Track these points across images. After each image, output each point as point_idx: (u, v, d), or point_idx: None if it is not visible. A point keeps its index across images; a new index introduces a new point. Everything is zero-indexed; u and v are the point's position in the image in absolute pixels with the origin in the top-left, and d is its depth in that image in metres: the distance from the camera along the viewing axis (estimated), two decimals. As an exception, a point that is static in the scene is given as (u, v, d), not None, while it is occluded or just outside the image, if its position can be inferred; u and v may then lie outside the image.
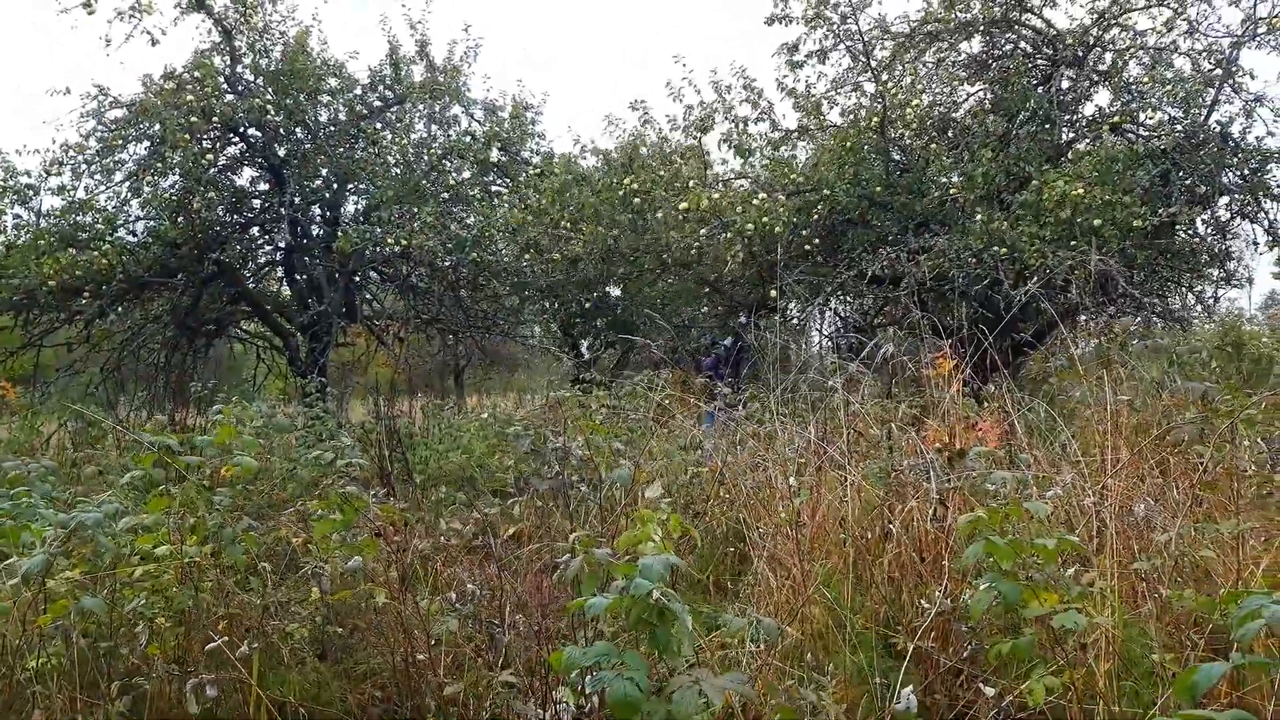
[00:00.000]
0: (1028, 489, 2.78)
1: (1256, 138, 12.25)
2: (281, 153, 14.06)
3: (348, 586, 2.95)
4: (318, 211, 14.99)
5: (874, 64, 11.67)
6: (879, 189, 11.24)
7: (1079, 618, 2.05)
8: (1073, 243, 10.15)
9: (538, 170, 13.24)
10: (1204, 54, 11.59)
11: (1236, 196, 12.05)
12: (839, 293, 10.96)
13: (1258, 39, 11.68)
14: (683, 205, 10.35)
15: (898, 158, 12.23)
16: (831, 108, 11.83)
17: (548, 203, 11.40)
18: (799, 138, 11.73)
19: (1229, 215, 12.62)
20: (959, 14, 11.76)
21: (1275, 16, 11.53)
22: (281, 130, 13.83)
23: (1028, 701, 2.54)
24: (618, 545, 2.20)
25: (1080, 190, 9.44)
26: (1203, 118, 11.77)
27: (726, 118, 11.04)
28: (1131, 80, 11.63)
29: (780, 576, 3.63)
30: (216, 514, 3.13)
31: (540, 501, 3.65)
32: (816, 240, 11.07)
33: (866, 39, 11.47)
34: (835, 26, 11.52)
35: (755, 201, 10.31)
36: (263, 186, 14.80)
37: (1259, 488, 2.93)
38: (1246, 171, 12.05)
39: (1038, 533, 2.41)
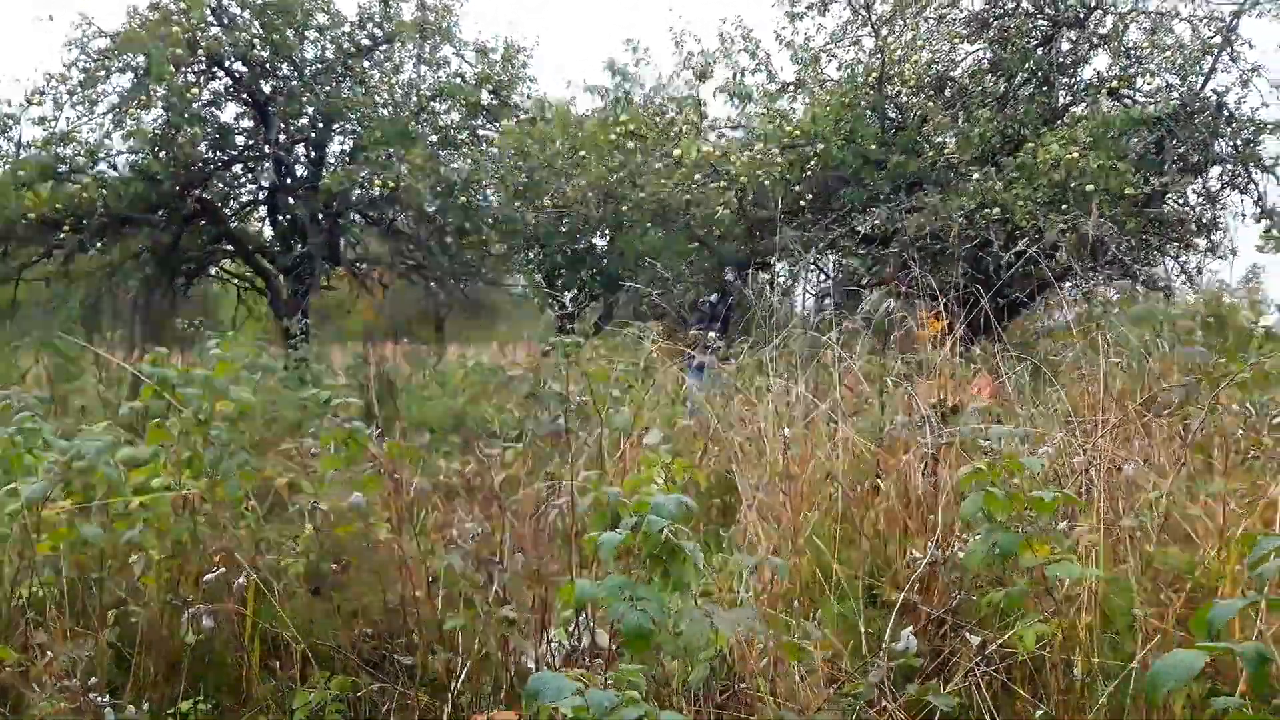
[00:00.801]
0: (1024, 445, 2.80)
1: (1251, 108, 12.26)
2: (267, 89, 13.80)
3: (347, 523, 2.95)
4: (302, 151, 14.76)
5: (874, 18, 11.55)
6: (874, 146, 11.19)
7: (1073, 568, 2.08)
8: (1064, 206, 10.16)
9: (529, 116, 13.07)
10: (1205, 21, 11.53)
11: (1228, 167, 12.07)
12: (830, 250, 10.94)
13: (1259, 7, 11.63)
14: (676, 152, 10.27)
15: (893, 115, 12.15)
16: (830, 61, 11.72)
17: (556, 137, 11.21)
18: (796, 91, 11.62)
19: (1219, 185, 12.64)
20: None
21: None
22: (268, 66, 13.57)
23: (1016, 649, 2.59)
24: (623, 488, 2.21)
25: (1075, 154, 9.43)
26: (1199, 86, 11.76)
27: (728, 65, 10.91)
28: (1131, 45, 11.57)
29: (768, 527, 3.66)
30: (214, 448, 3.11)
31: (537, 446, 3.66)
32: (810, 196, 11.03)
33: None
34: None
35: (749, 153, 10.23)
36: (246, 124, 14.53)
37: (1246, 451, 2.98)
38: (1239, 142, 12.05)
39: (1030, 488, 2.44)
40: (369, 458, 2.65)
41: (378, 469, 2.65)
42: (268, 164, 13.43)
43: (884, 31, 11.80)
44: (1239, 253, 14.94)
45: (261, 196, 14.89)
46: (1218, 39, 11.48)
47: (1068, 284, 13.36)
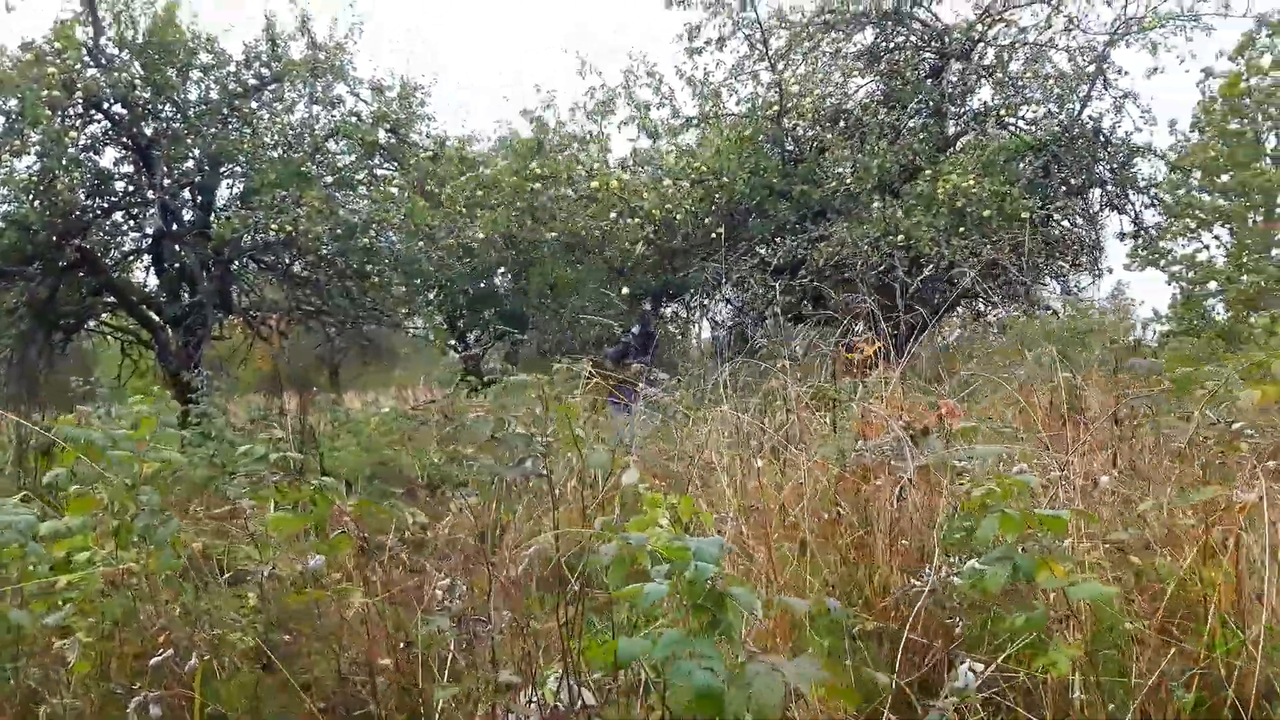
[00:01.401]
0: (1009, 465, 2.78)
1: (1126, 132, 12.99)
2: (149, 132, 13.17)
3: (312, 587, 2.70)
4: (187, 196, 14.12)
5: (770, 53, 11.79)
6: (776, 179, 11.37)
7: (1096, 588, 2.03)
8: (961, 230, 10.51)
9: (429, 154, 12.82)
10: (1080, 51, 12.18)
11: (1108, 188, 12.73)
12: (741, 283, 11.03)
13: (1128, 38, 12.37)
14: (593, 184, 10.21)
15: (791, 148, 12.40)
16: (731, 95, 11.89)
17: (452, 190, 11.03)
18: (699, 125, 11.74)
19: (1098, 207, 13.32)
20: (852, 5, 11.99)
21: (1144, 17, 12.22)
22: (149, 107, 12.96)
23: (1036, 676, 2.53)
24: (633, 528, 2.07)
25: (970, 182, 9.77)
26: (1077, 112, 12.39)
27: (629, 103, 10.94)
28: (1014, 75, 12.12)
29: (739, 563, 3.55)
30: (144, 514, 2.83)
31: (504, 492, 3.46)
32: (720, 229, 11.12)
33: (765, 27, 11.57)
34: (734, 13, 11.57)
35: (658, 189, 10.25)
36: (126, 169, 13.83)
37: (1219, 457, 3.04)
38: (1115, 165, 12.74)
39: (1021, 506, 2.40)
40: (336, 516, 2.43)
41: (345, 528, 2.43)
42: (152, 210, 12.77)
43: (780, 66, 12.06)
44: (1112, 270, 15.79)
45: (145, 245, 14.16)
46: (1092, 67, 12.14)
47: (959, 308, 13.88)
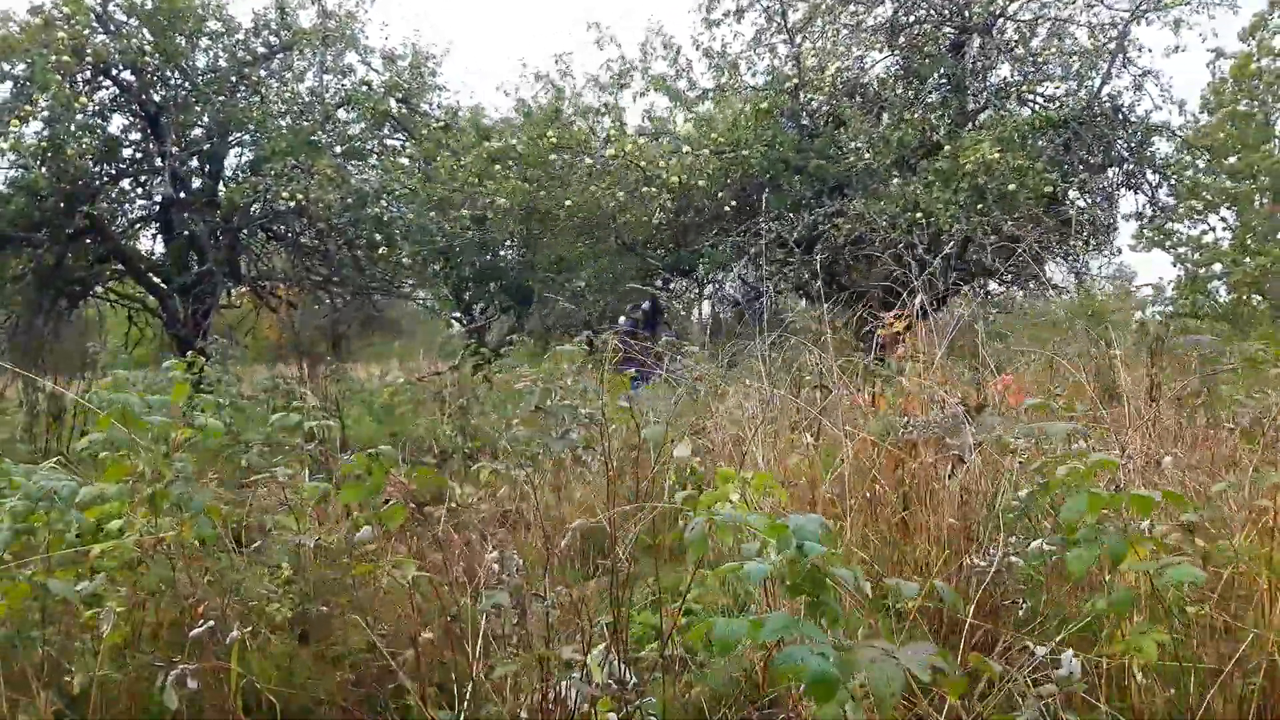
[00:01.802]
0: (1078, 443, 2.69)
1: (1145, 110, 12.83)
2: (157, 99, 13.02)
3: (363, 559, 2.63)
4: (196, 164, 13.99)
5: (789, 25, 11.62)
6: (792, 153, 11.22)
7: (1190, 570, 1.96)
8: (979, 206, 10.37)
9: (441, 124, 12.67)
10: (1102, 27, 11.99)
11: (1126, 167, 12.57)
12: (756, 258, 10.90)
13: (1150, 14, 12.17)
14: (609, 152, 10.08)
15: (807, 122, 12.25)
16: (749, 68, 11.73)
17: (471, 159, 10.87)
18: (715, 97, 11.58)
19: (1114, 186, 13.16)
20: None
21: (1165, -6, 12.03)
22: (159, 74, 12.81)
23: (1112, 662, 2.46)
24: (697, 507, 1.99)
25: (996, 154, 9.63)
26: (1096, 89, 12.21)
27: (644, 76, 10.78)
28: (1034, 51, 11.94)
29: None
30: (179, 481, 2.75)
31: (535, 466, 3.39)
32: (734, 202, 10.99)
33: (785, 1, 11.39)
34: (752, -17, 11.39)
35: (678, 157, 10.12)
36: (134, 136, 13.69)
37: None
38: (1133, 144, 12.57)
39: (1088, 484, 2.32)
40: (392, 484, 2.35)
41: (402, 498, 2.36)
42: (161, 177, 12.65)
43: (798, 39, 11.88)
44: (1120, 251, 15.61)
45: (154, 212, 14.04)
46: (1113, 44, 11.96)
47: (967, 286, 13.76)
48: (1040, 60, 11.92)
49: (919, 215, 10.05)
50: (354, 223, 12.13)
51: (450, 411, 8.66)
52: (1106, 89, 12.32)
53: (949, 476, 3.19)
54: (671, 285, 12.77)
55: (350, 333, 22.41)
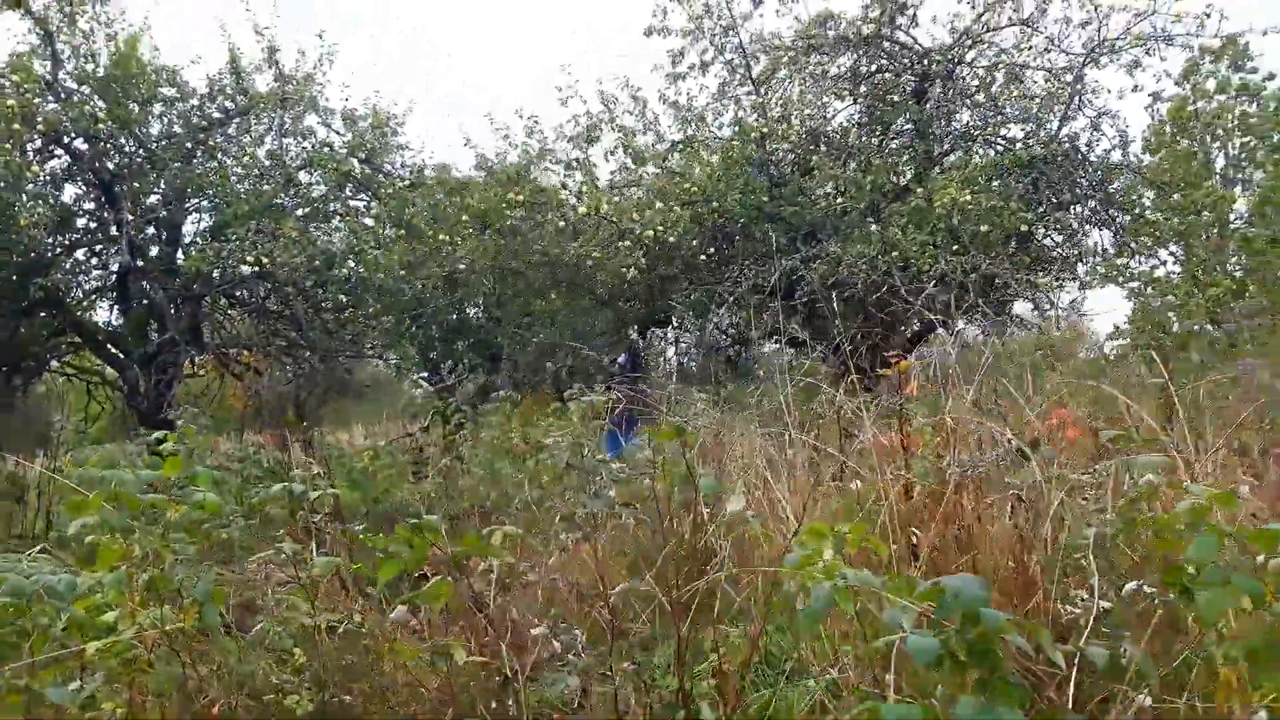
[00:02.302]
0: (1168, 476, 2.53)
1: (1105, 150, 13.07)
2: (111, 166, 12.72)
3: (392, 640, 2.37)
4: (152, 231, 13.66)
5: (753, 77, 11.68)
6: (765, 200, 11.21)
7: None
8: (954, 248, 10.39)
9: (407, 183, 12.51)
10: (1059, 72, 12.21)
11: (1090, 205, 12.74)
12: (734, 306, 10.80)
13: (1104, 58, 12.45)
14: (581, 210, 9.95)
15: (774, 171, 12.27)
16: (717, 119, 11.76)
17: (442, 214, 10.68)
18: (682, 150, 11.57)
19: (1080, 222, 13.34)
20: (830, 31, 11.93)
21: (1119, 38, 12.35)
22: (111, 142, 12.53)
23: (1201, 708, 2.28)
24: (799, 565, 1.78)
25: (968, 196, 9.67)
26: (1055, 131, 12.41)
27: (613, 128, 10.73)
28: (994, 96, 12.11)
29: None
30: (179, 565, 2.48)
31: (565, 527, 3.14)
32: (711, 250, 10.91)
33: (748, 51, 11.45)
34: (715, 39, 11.44)
35: (650, 211, 10.03)
36: (88, 205, 13.36)
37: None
38: (1094, 182, 12.77)
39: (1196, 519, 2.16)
40: (435, 556, 2.11)
41: (447, 571, 2.11)
42: (119, 246, 12.29)
43: (763, 90, 11.94)
44: (1084, 286, 15.84)
45: (110, 282, 13.65)
46: (1067, 89, 12.18)
47: (939, 329, 13.75)
48: (1000, 104, 12.09)
49: (894, 255, 10.04)
50: (321, 284, 11.85)
51: (435, 473, 8.37)
52: (1065, 130, 12.54)
53: (1008, 518, 3.01)
54: (649, 336, 12.61)
55: (313, 398, 21.93)
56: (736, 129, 11.40)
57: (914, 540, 3.58)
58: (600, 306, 11.48)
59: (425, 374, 18.81)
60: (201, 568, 2.53)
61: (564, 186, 10.59)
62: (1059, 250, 13.35)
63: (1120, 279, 26.74)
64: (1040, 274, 13.09)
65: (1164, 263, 26.45)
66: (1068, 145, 12.38)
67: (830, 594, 1.54)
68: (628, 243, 10.02)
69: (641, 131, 11.11)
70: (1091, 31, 12.17)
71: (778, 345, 14.47)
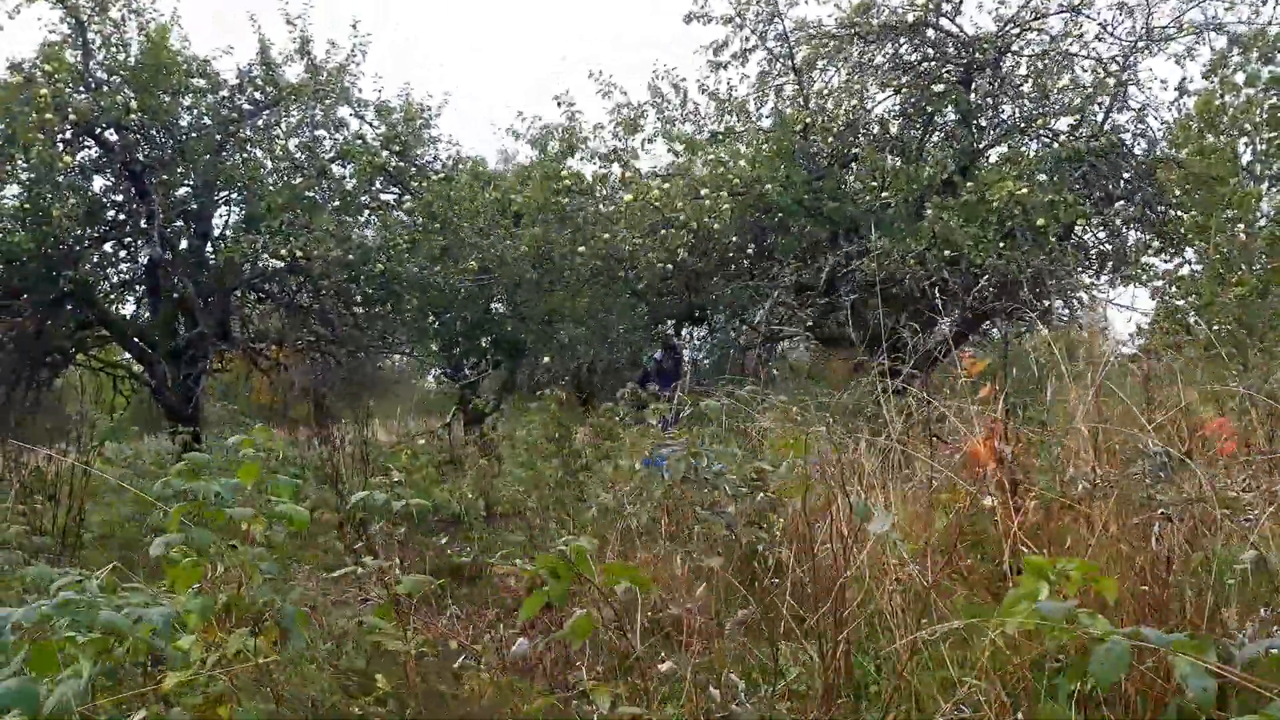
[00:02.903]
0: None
1: (1150, 142, 12.73)
2: (141, 158, 12.56)
3: (512, 673, 2.14)
4: (181, 223, 13.50)
5: (795, 65, 11.39)
6: (806, 195, 10.93)
7: None
8: (1000, 243, 10.09)
9: (442, 175, 12.30)
10: (1109, 61, 11.87)
11: (1136, 200, 12.40)
12: (777, 305, 10.52)
13: (1154, 46, 12.12)
14: (627, 197, 9.71)
15: (817, 162, 12.00)
16: (759, 108, 11.48)
17: (478, 206, 10.46)
18: (724, 139, 11.30)
19: (1127, 218, 12.99)
20: (873, 18, 11.62)
21: (1168, 26, 12.02)
22: (142, 132, 12.37)
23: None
24: (1004, 609, 1.54)
25: (1025, 189, 9.37)
26: (1100, 122, 12.08)
27: (659, 116, 10.48)
28: (1043, 86, 11.78)
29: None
30: (262, 586, 2.26)
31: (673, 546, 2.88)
32: (751, 247, 10.66)
33: (792, 40, 11.17)
34: (758, 27, 11.16)
35: (695, 200, 9.77)
36: (117, 197, 13.21)
37: None
38: (1140, 175, 12.43)
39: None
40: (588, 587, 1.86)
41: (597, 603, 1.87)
42: (147, 239, 12.13)
43: (804, 79, 11.65)
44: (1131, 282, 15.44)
45: (139, 275, 13.50)
46: (1122, 75, 11.84)
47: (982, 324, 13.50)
48: (1048, 94, 11.75)
49: (946, 252, 9.74)
50: (354, 279, 11.66)
51: (474, 473, 8.15)
52: (1108, 123, 12.21)
53: (1155, 540, 2.74)
54: (685, 334, 12.36)
55: (333, 393, 21.75)
56: (778, 119, 11.11)
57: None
58: (637, 300, 11.23)
59: (448, 370, 18.61)
60: (286, 587, 2.31)
61: (604, 178, 10.35)
62: (1100, 246, 13.03)
63: (1144, 277, 26.31)
64: (1085, 271, 12.78)
65: (1189, 261, 25.98)
66: (1115, 138, 12.05)
67: (1125, 655, 1.30)
68: (671, 230, 9.77)
69: (681, 121, 10.85)
70: (1141, 18, 11.84)
71: (808, 343, 14.20)
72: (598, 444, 6.88)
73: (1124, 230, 13.14)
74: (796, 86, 11.41)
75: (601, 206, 10.24)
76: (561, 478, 6.05)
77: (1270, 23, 12.20)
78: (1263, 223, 23.41)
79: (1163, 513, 2.68)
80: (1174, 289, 25.84)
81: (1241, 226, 23.55)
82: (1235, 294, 21.35)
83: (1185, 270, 25.33)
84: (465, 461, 8.94)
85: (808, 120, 10.86)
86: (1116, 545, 2.92)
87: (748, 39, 11.21)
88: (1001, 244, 10.07)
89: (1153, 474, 2.68)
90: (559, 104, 10.61)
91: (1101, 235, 13.09)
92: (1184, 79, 12.80)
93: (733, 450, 2.54)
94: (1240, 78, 24.16)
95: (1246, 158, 25.05)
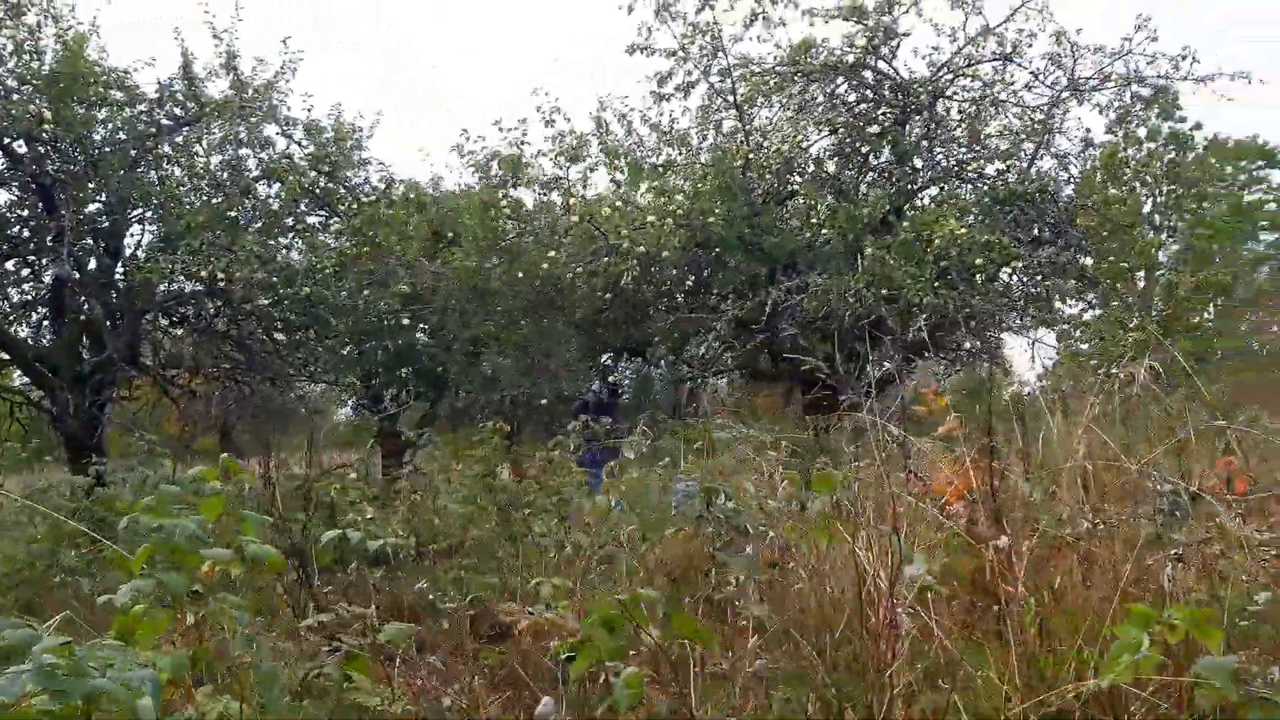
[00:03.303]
0: None
1: (1072, 190, 13.19)
2: (51, 171, 11.89)
3: None
4: (90, 241, 12.80)
5: (737, 101, 11.43)
6: (747, 229, 10.94)
7: None
8: (936, 283, 10.24)
9: (373, 198, 11.94)
10: (1035, 109, 12.24)
11: (1058, 245, 12.76)
12: (713, 340, 10.45)
13: (1075, 98, 12.59)
14: (574, 219, 9.54)
15: (756, 198, 12.04)
16: (700, 141, 11.48)
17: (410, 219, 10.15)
18: (664, 172, 11.26)
19: (1043, 262, 13.33)
20: (814, 58, 11.76)
21: (1091, 78, 12.50)
22: (55, 144, 11.72)
23: None
24: (1103, 672, 1.39)
25: (964, 229, 9.53)
26: (1026, 168, 12.45)
27: (602, 148, 10.37)
28: (977, 131, 12.07)
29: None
30: (241, 639, 1.98)
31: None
32: (691, 279, 10.59)
33: (734, 76, 11.21)
34: (701, 62, 11.19)
35: (644, 227, 9.67)
36: (22, 211, 12.47)
37: None
38: (1061, 221, 12.82)
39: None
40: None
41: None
42: (55, 256, 11.44)
43: (746, 114, 11.70)
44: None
45: (41, 295, 12.74)
46: (1037, 128, 12.22)
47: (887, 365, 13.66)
48: (980, 139, 12.06)
49: (883, 291, 9.82)
50: (276, 303, 11.17)
51: (406, 508, 7.80)
52: (1034, 169, 12.58)
53: (1169, 581, 2.66)
54: (622, 366, 12.20)
55: (242, 423, 20.81)
56: (719, 154, 11.12)
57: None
58: (575, 330, 11.03)
59: (365, 401, 17.93)
60: (261, 639, 2.04)
61: (547, 206, 10.18)
62: (1026, 289, 13.34)
63: (1050, 321, 27.30)
64: (1011, 312, 13.07)
65: (1091, 305, 27.10)
66: (1040, 184, 12.41)
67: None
68: (615, 259, 9.63)
69: (624, 152, 10.77)
70: (1067, 69, 12.27)
71: (733, 377, 14.18)
72: (542, 480, 6.65)
73: (1048, 274, 13.52)
74: (737, 122, 11.45)
75: (540, 237, 10.05)
76: (513, 515, 5.78)
77: (1186, 77, 12.74)
78: (1161, 271, 24.37)
79: (1175, 554, 2.61)
80: (1078, 333, 26.81)
81: (1141, 274, 24.51)
82: (1133, 339, 22.17)
83: (1089, 315, 26.28)
84: (396, 497, 8.57)
85: (749, 155, 10.88)
86: (1120, 587, 2.83)
87: (690, 72, 11.23)
88: (936, 283, 10.22)
89: (1166, 513, 2.61)
90: (500, 130, 10.42)
91: (1024, 279, 13.42)
92: (1088, 131, 13.30)
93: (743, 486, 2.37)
94: (1143, 132, 25.27)
95: (1147, 208, 26.15)
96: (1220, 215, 34.25)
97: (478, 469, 7.18)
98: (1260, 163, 38.50)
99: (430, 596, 3.52)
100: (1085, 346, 26.24)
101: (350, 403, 22.43)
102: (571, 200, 9.94)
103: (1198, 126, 28.20)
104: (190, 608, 2.00)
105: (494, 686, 2.92)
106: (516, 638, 2.35)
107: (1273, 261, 37.90)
